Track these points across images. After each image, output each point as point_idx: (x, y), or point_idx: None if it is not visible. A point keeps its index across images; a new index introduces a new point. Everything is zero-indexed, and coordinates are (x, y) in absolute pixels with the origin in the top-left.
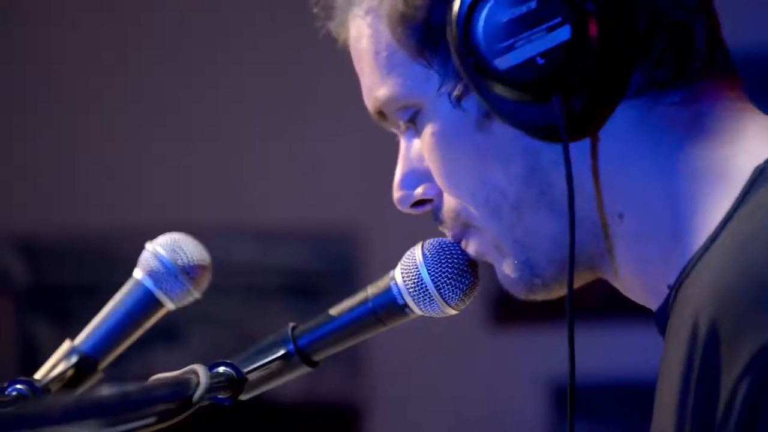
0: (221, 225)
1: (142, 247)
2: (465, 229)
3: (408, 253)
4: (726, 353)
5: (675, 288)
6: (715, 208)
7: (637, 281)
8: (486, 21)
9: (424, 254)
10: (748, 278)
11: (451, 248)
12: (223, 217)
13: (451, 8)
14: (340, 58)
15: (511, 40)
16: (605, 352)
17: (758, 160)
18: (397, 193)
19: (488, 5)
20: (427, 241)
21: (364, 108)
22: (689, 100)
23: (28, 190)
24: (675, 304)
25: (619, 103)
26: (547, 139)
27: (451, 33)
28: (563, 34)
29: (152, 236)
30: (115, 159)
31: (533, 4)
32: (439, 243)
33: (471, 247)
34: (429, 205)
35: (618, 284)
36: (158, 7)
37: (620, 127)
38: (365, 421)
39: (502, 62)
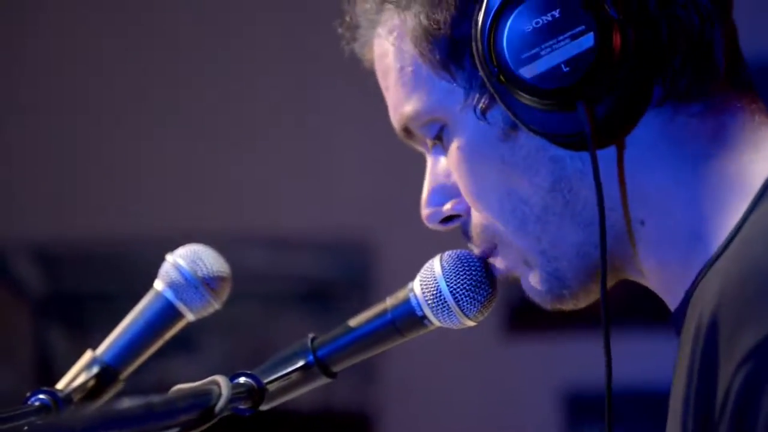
0: (237, 234)
1: (157, 256)
2: (493, 246)
3: (426, 265)
4: (725, 345)
5: (689, 292)
6: (732, 215)
7: (658, 284)
8: (510, 31)
9: (442, 266)
10: (749, 275)
11: (469, 260)
12: (239, 226)
13: (475, 20)
14: (359, 66)
15: (536, 49)
16: (626, 360)
17: None
18: (425, 210)
19: (512, 15)
20: (446, 253)
21: (381, 117)
22: (710, 112)
23: (44, 199)
24: (689, 308)
25: (644, 112)
26: (572, 148)
27: (476, 44)
28: (587, 41)
29: (167, 245)
30: (132, 167)
31: (557, 13)
32: (458, 255)
33: (499, 264)
34: (457, 220)
35: (645, 283)
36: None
37: (643, 137)
38: (379, 430)
39: (527, 71)
